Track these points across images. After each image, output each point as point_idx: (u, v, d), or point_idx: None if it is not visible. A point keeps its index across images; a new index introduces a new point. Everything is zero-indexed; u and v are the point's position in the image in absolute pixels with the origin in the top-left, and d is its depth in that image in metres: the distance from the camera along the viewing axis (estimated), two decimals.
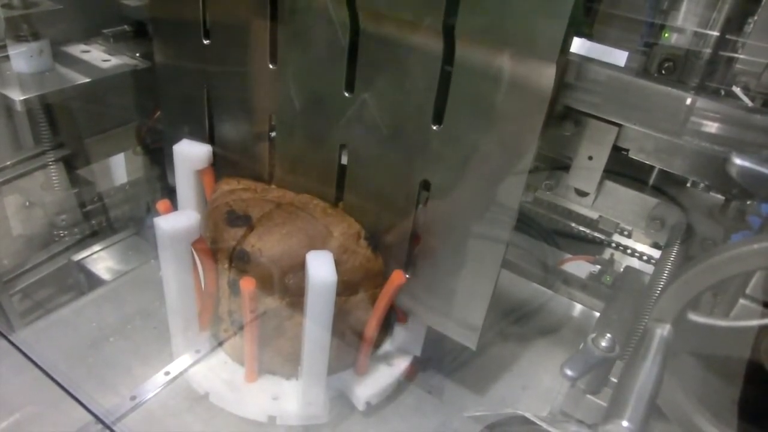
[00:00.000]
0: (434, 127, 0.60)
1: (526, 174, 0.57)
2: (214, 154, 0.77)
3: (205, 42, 0.72)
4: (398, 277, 0.67)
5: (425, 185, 0.63)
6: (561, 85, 0.61)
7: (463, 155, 0.60)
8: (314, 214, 0.70)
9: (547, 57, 0.52)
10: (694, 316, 0.50)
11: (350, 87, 0.63)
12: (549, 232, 1.04)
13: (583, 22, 0.67)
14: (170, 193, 0.79)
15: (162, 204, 0.70)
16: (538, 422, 0.57)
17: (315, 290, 0.62)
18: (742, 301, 0.50)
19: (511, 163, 0.57)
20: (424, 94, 0.59)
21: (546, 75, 0.52)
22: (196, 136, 0.77)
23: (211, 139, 0.77)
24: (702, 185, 0.74)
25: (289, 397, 0.73)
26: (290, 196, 0.72)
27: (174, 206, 0.75)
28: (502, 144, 0.57)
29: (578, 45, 0.66)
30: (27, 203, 0.98)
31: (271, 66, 0.68)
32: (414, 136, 0.61)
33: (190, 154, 0.74)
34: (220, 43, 0.71)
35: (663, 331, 0.49)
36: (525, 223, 1.04)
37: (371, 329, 0.71)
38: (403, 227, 0.67)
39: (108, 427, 0.68)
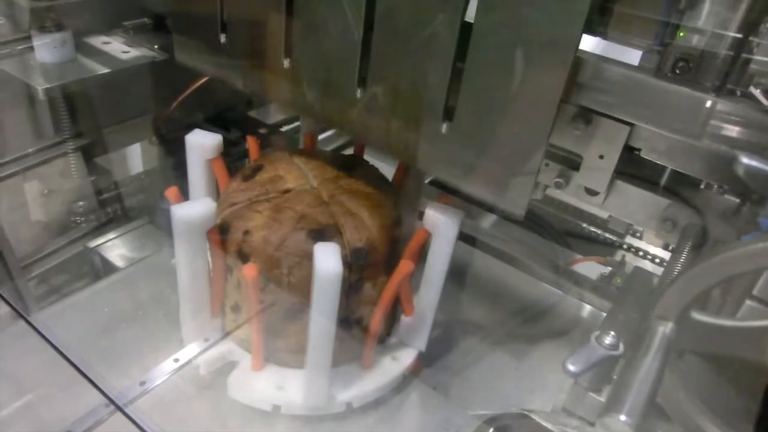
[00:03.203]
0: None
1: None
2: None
3: None
4: (406, 266, 0.68)
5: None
6: (572, 82, 0.61)
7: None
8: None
9: None
10: (698, 316, 0.49)
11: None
12: (560, 232, 1.04)
13: (598, 21, 0.67)
14: (184, 182, 0.80)
15: (171, 191, 0.71)
16: (538, 419, 0.57)
17: (321, 282, 0.62)
18: (748, 302, 0.50)
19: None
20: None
21: None
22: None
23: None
24: (716, 187, 0.74)
25: (294, 387, 0.73)
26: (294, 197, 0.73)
27: (186, 194, 0.77)
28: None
29: (592, 44, 0.66)
30: (46, 190, 1.00)
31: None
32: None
33: (202, 143, 0.75)
34: None
35: (665, 328, 0.49)
36: (536, 223, 1.03)
37: (377, 320, 0.72)
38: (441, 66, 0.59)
39: (120, 409, 0.69)
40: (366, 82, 0.64)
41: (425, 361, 0.82)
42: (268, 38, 0.69)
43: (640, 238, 1.01)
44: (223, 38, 0.73)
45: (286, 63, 0.69)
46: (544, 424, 0.52)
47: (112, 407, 0.71)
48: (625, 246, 1.02)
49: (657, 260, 0.99)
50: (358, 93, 0.64)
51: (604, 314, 0.93)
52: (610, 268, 0.98)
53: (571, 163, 0.72)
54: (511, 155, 0.58)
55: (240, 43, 0.73)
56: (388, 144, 0.66)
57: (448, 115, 0.60)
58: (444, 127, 0.60)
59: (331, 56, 0.65)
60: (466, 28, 0.56)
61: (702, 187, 0.73)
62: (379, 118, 0.65)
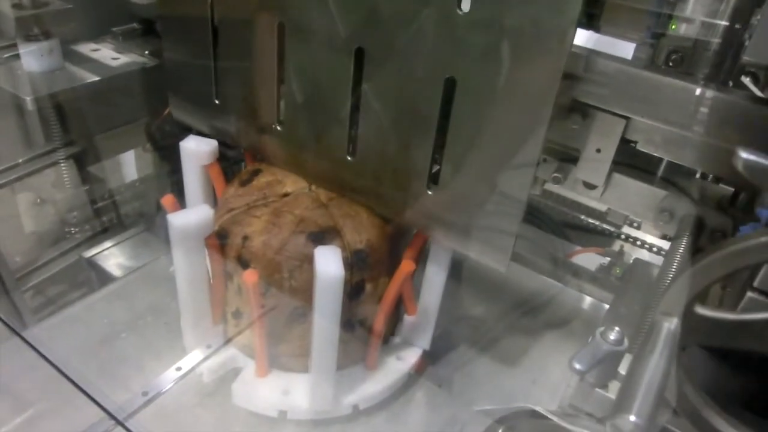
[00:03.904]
0: (459, 12, 0.53)
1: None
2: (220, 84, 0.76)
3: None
4: (407, 266, 0.68)
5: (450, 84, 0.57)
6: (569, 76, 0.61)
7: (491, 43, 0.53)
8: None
9: None
10: (701, 310, 0.49)
11: None
12: (558, 224, 1.04)
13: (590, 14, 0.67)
14: (180, 189, 0.79)
15: (167, 199, 0.71)
16: (548, 416, 0.57)
17: (323, 286, 0.62)
18: (749, 293, 0.50)
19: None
20: None
21: None
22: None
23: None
24: (711, 177, 0.74)
25: (299, 391, 0.73)
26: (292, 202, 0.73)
27: (182, 201, 0.76)
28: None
29: (585, 37, 0.66)
30: (38, 200, 0.99)
31: None
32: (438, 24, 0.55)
33: (197, 149, 0.75)
34: None
35: (670, 324, 0.49)
36: (534, 216, 1.04)
37: (381, 321, 0.71)
38: (425, 135, 0.61)
39: (120, 423, 0.69)
40: (355, 149, 0.67)
41: (429, 359, 0.82)
42: (260, 103, 0.72)
43: (638, 228, 1.02)
44: (216, 101, 0.76)
45: (278, 127, 0.72)
46: (557, 421, 0.52)
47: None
48: (623, 236, 1.02)
49: (654, 249, 0.99)
50: (348, 158, 0.67)
51: (604, 305, 0.94)
52: (608, 259, 0.99)
53: (568, 157, 0.72)
54: (491, 216, 0.61)
55: (233, 106, 0.76)
56: (377, 203, 0.69)
57: (433, 178, 0.63)
58: (429, 190, 0.63)
59: (321, 124, 0.68)
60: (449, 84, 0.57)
61: (697, 176, 0.74)
62: (367, 181, 0.68)
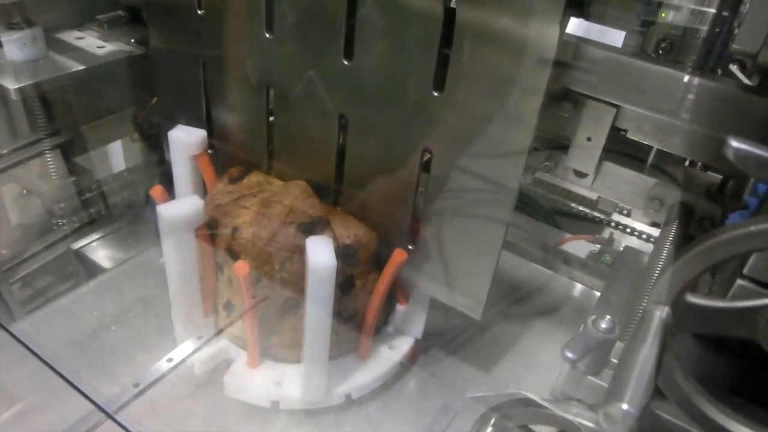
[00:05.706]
0: (435, 93, 0.59)
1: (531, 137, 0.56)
2: (213, 134, 0.77)
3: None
4: (399, 255, 0.68)
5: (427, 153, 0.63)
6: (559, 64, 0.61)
7: (465, 122, 0.59)
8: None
9: (550, 17, 0.51)
10: (692, 298, 0.50)
11: (349, 54, 0.62)
12: (549, 212, 1.04)
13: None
14: (169, 179, 0.79)
15: (155, 190, 0.70)
16: (541, 403, 0.57)
17: (315, 276, 0.62)
18: (739, 281, 0.50)
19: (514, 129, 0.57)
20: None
21: (549, 34, 0.51)
22: (193, 114, 0.77)
23: (208, 121, 0.78)
24: (699, 165, 0.75)
25: (292, 381, 0.73)
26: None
27: (171, 192, 0.75)
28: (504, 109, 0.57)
29: (575, 25, 0.65)
30: (24, 192, 0.98)
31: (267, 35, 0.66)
32: (415, 103, 0.60)
33: (185, 139, 0.74)
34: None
35: (662, 313, 0.49)
36: (525, 203, 1.04)
37: (373, 312, 0.72)
38: (404, 197, 0.67)
39: (109, 416, 0.68)
40: (339, 202, 0.72)
41: (421, 347, 0.82)
42: (252, 156, 0.76)
43: (628, 215, 1.02)
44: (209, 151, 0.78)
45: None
46: (550, 407, 0.53)
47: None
48: (613, 223, 1.03)
49: (644, 236, 1.00)
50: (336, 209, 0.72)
51: (594, 291, 0.94)
52: (598, 246, 0.99)
53: (559, 144, 0.72)
54: (467, 270, 0.67)
55: (226, 155, 0.78)
56: None
57: (413, 235, 0.69)
58: (410, 246, 0.69)
59: (310, 177, 0.72)
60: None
61: (686, 164, 0.74)
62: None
